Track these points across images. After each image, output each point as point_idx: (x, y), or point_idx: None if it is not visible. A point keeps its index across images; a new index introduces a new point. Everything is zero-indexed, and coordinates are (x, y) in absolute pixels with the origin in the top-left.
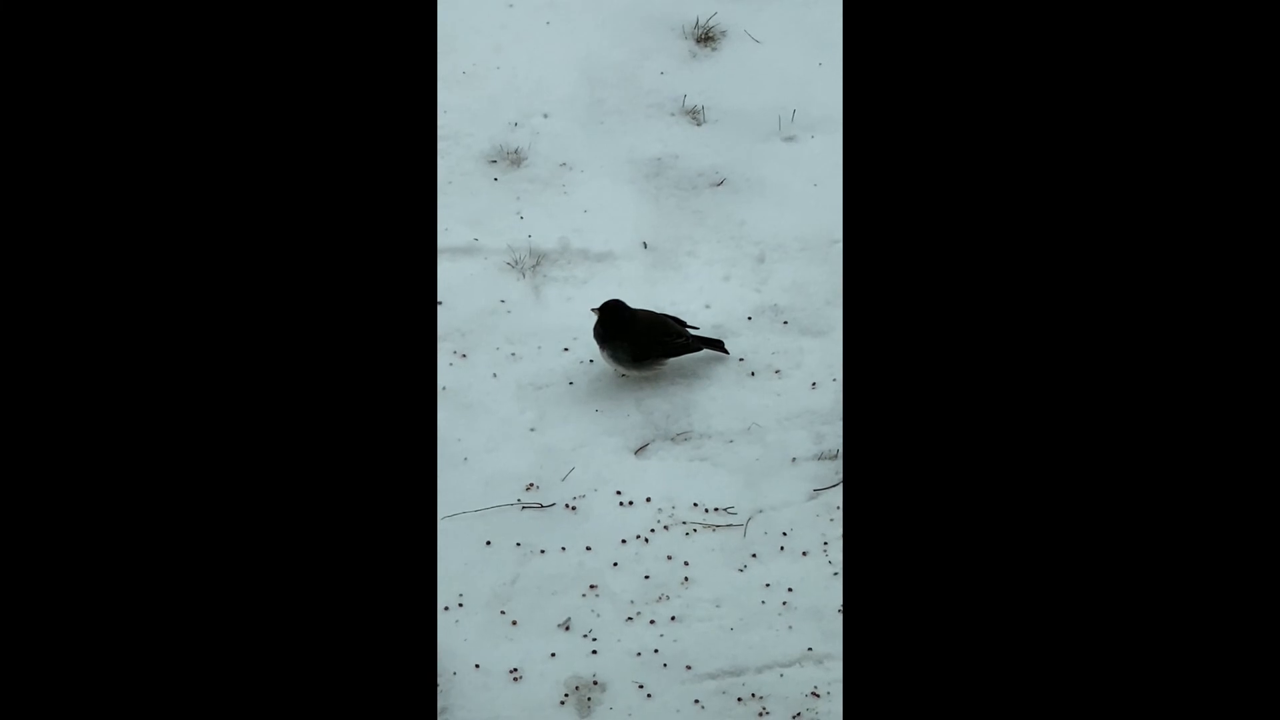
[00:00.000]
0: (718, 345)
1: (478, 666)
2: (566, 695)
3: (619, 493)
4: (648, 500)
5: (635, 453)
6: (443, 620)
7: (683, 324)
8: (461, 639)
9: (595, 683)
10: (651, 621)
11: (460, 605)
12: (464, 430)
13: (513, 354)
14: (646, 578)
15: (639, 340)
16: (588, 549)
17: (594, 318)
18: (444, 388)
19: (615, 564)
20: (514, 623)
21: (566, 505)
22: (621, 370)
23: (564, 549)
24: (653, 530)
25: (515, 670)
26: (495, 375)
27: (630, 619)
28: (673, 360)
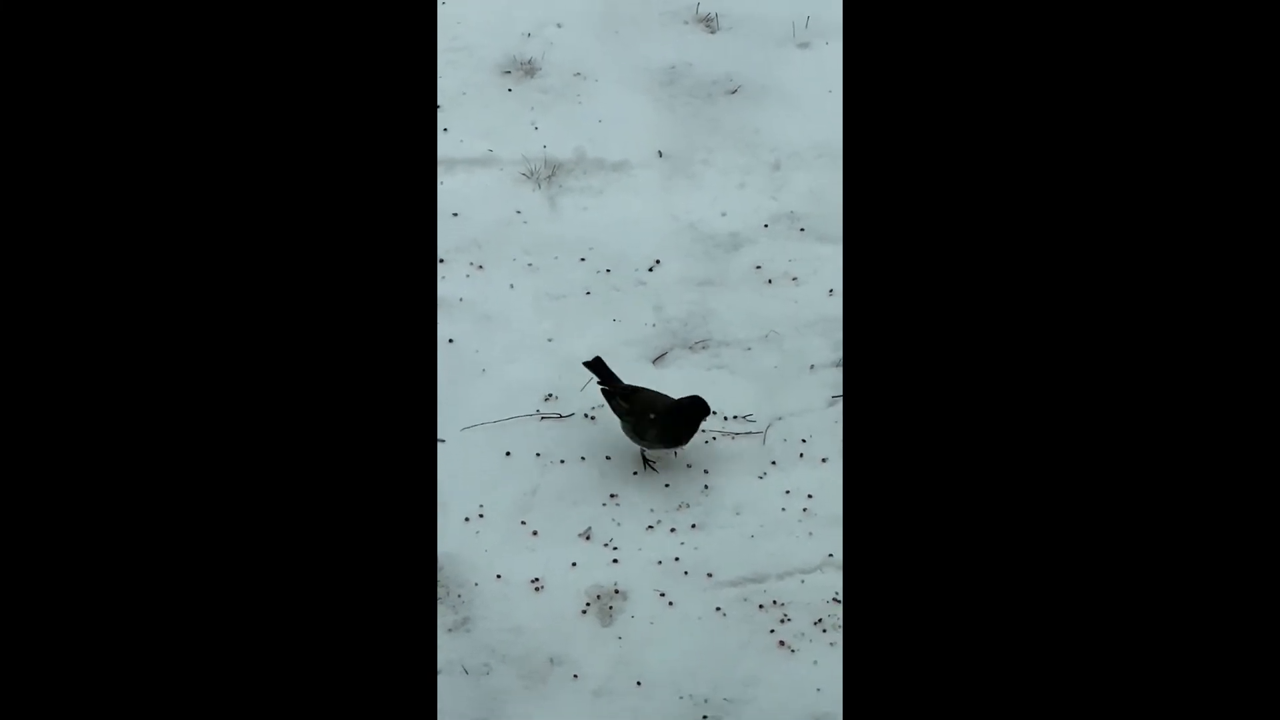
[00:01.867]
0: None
1: (499, 577)
2: (588, 604)
3: None
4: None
5: (653, 362)
6: (463, 531)
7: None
8: (482, 550)
9: (617, 591)
10: (672, 530)
11: (481, 516)
12: (482, 342)
13: (529, 265)
14: (666, 486)
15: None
16: (607, 458)
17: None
18: (461, 299)
19: (635, 473)
20: (535, 533)
21: (586, 415)
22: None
23: (583, 459)
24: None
25: (537, 580)
26: (512, 286)
27: (651, 528)
28: (689, 273)
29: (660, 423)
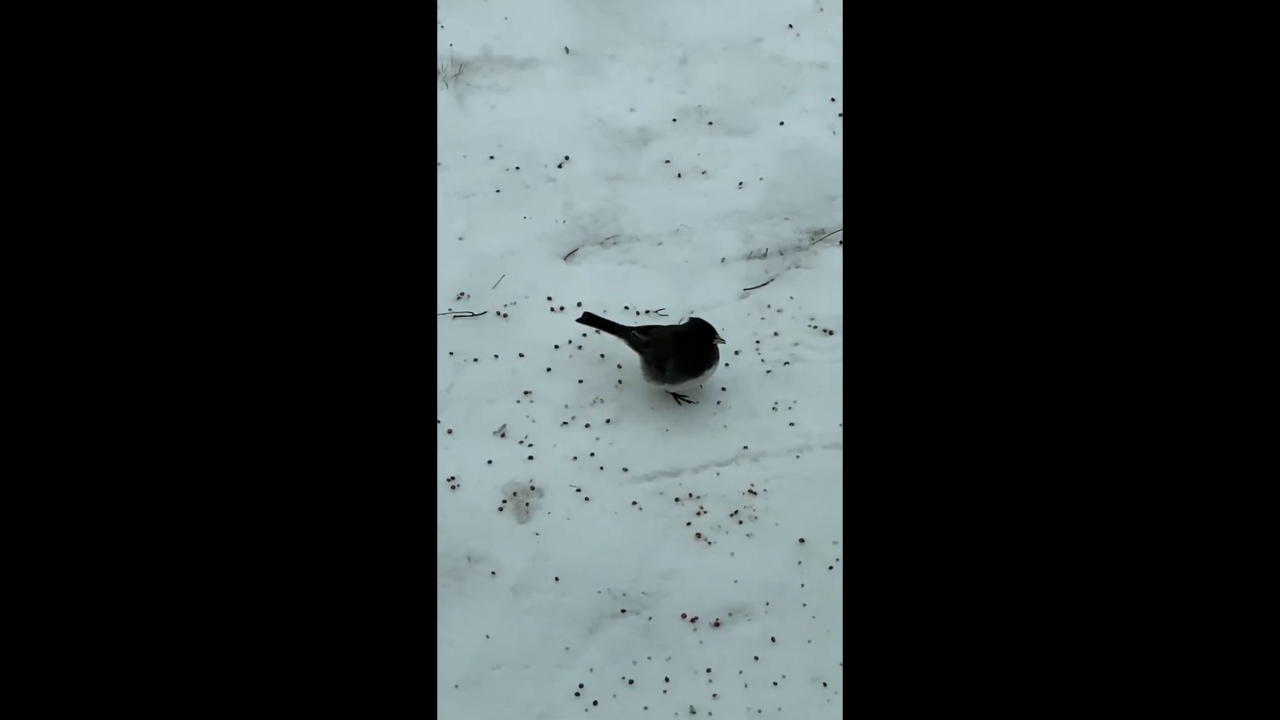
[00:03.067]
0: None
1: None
2: (504, 501)
3: (550, 299)
4: (579, 305)
5: (565, 258)
6: None
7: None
8: None
9: (533, 488)
10: (587, 425)
11: None
12: None
13: (439, 164)
14: (580, 382)
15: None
16: (521, 356)
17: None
18: None
19: (549, 369)
20: (449, 431)
21: (498, 313)
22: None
23: (497, 356)
24: (584, 334)
25: (453, 478)
26: None
27: (565, 424)
28: (598, 169)
29: (674, 348)
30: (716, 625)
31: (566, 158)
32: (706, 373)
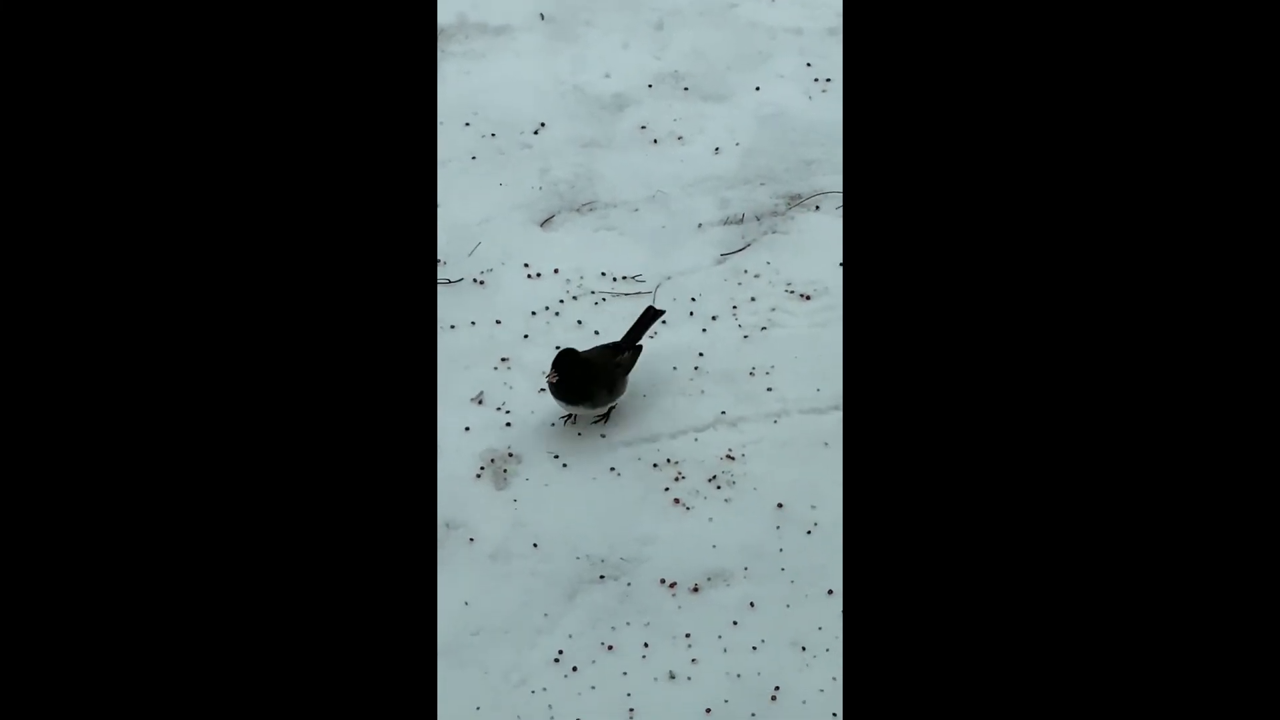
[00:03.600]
0: (651, 316)
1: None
2: (482, 468)
3: (526, 265)
4: (556, 271)
5: (541, 225)
6: None
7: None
8: None
9: (511, 454)
10: None
11: None
12: None
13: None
14: (558, 348)
15: (600, 378)
16: (498, 322)
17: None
18: None
19: (526, 336)
20: None
21: (475, 280)
22: (599, 413)
23: (474, 323)
24: (562, 301)
25: None
26: None
27: (543, 390)
28: (574, 135)
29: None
30: (695, 590)
31: (542, 124)
32: (595, 398)
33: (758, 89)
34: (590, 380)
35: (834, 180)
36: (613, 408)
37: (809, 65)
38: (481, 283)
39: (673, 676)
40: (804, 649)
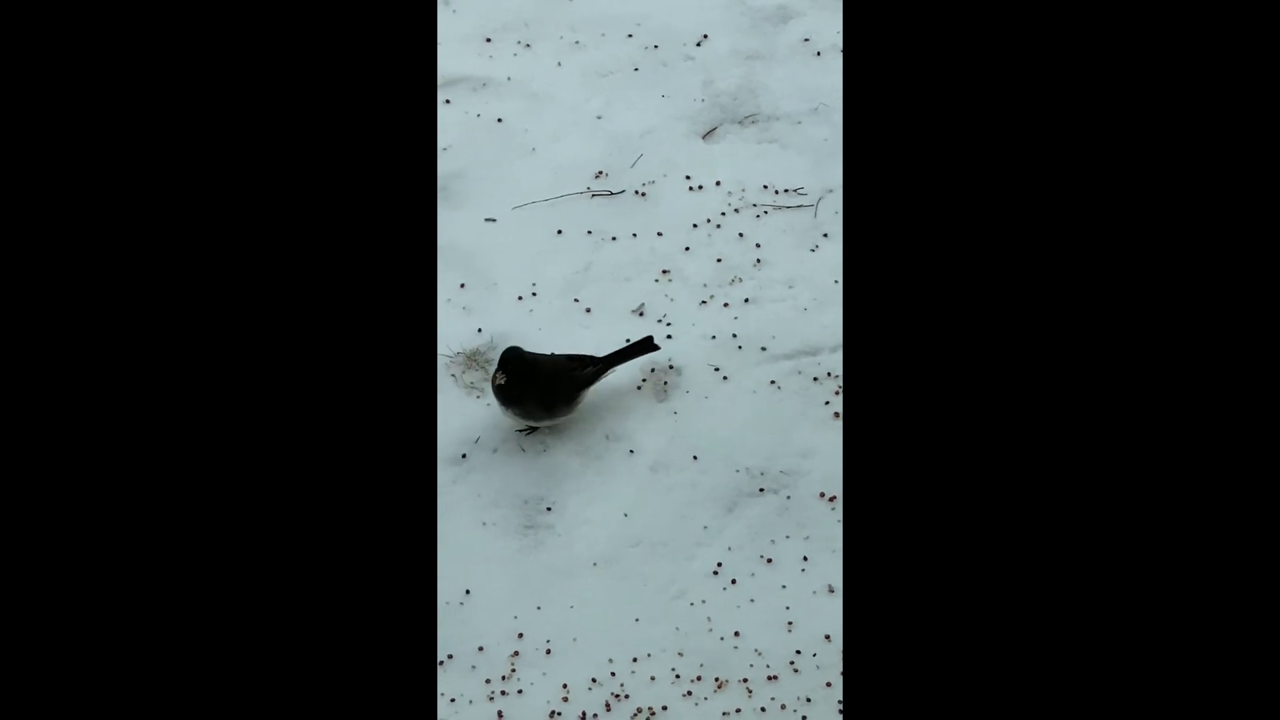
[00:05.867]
0: (645, 346)
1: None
2: (644, 380)
3: (688, 177)
4: (717, 184)
5: (703, 137)
6: (517, 309)
7: (586, 359)
8: (536, 328)
9: (671, 367)
10: (725, 304)
11: (534, 295)
12: (530, 120)
13: (576, 42)
14: (719, 261)
15: (547, 387)
16: (659, 234)
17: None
18: (509, 78)
19: (687, 248)
20: (588, 310)
21: (636, 192)
22: (531, 425)
23: (635, 235)
24: (723, 214)
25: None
26: (560, 64)
27: (704, 302)
28: (737, 47)
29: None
30: None
31: (705, 36)
32: (571, 409)
33: None
34: (539, 386)
35: None
36: (552, 426)
37: None
38: (643, 195)
39: (832, 590)
40: None
